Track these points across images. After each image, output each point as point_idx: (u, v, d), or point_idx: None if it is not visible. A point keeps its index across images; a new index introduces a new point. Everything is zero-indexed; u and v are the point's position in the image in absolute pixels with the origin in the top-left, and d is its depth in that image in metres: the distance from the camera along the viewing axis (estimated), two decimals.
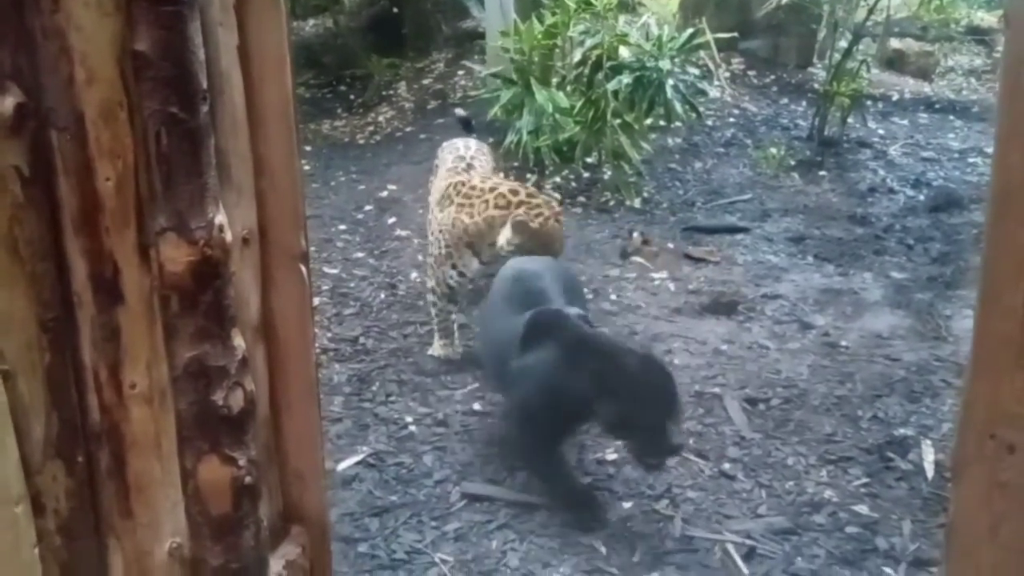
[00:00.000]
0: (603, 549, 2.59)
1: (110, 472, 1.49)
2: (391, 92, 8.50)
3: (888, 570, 2.49)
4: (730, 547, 2.61)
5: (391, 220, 5.49)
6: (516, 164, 6.16)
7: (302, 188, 1.76)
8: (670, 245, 4.95)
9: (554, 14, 5.99)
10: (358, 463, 3.01)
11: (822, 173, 6.07)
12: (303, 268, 1.79)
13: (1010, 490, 1.43)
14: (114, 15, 1.34)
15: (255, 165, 1.67)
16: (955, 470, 1.43)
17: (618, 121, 5.63)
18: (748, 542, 2.61)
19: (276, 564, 1.81)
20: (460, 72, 8.65)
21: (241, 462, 1.64)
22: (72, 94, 1.33)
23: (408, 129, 7.47)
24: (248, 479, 1.66)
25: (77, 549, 1.47)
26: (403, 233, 5.32)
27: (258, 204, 1.70)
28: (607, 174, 5.99)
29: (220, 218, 1.53)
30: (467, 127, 4.67)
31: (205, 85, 1.48)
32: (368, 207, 5.69)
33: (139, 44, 1.38)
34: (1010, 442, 1.40)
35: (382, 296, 4.41)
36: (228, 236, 1.56)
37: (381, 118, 7.83)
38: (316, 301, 4.32)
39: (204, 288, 1.52)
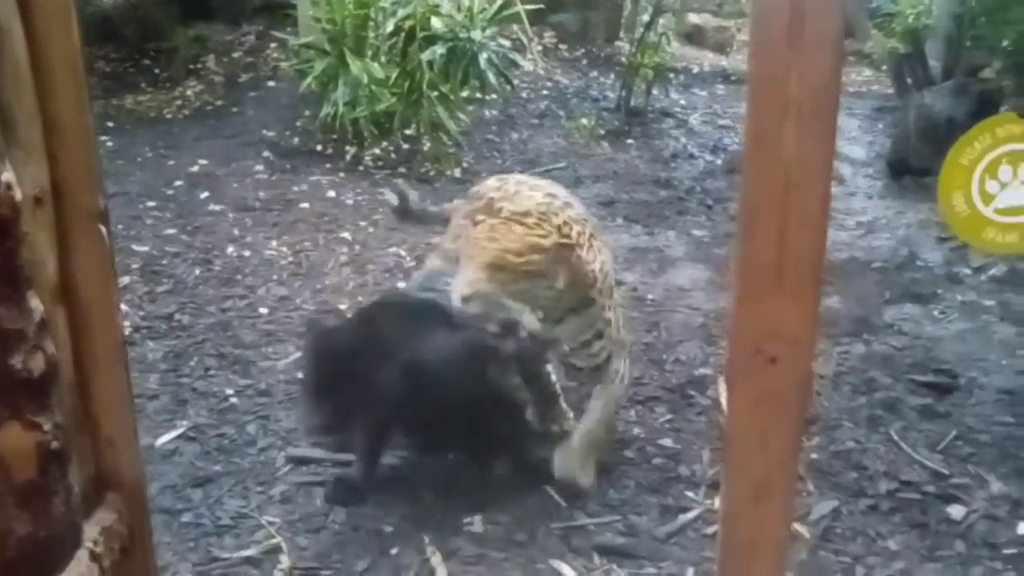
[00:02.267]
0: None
1: None
2: (199, 65, 8.17)
3: (689, 493, 2.71)
4: (548, 487, 2.75)
5: (203, 195, 5.33)
6: (335, 136, 6.12)
7: (96, 146, 1.72)
8: None
9: None
10: (177, 437, 2.95)
11: (629, 141, 6.38)
12: (103, 228, 1.75)
13: (775, 399, 1.61)
14: None
15: (44, 123, 1.62)
16: (728, 384, 1.60)
17: (435, 92, 5.69)
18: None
19: (91, 530, 1.77)
20: (272, 44, 8.45)
21: (46, 427, 1.60)
22: None
23: (219, 103, 7.23)
24: (55, 444, 1.63)
25: None
26: (217, 208, 5.17)
27: (50, 163, 1.65)
28: (426, 145, 6.06)
29: (7, 175, 1.49)
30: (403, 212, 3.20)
31: None
32: (178, 182, 5.49)
33: None
34: (772, 355, 1.59)
35: (197, 272, 4.30)
36: (18, 195, 1.52)
37: (189, 92, 7.53)
38: (126, 280, 4.16)
39: None
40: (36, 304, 1.58)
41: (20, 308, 1.55)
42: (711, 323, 3.77)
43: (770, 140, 1.52)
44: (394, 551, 2.44)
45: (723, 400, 3.18)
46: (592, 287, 2.64)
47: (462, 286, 2.56)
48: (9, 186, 1.49)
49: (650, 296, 4.08)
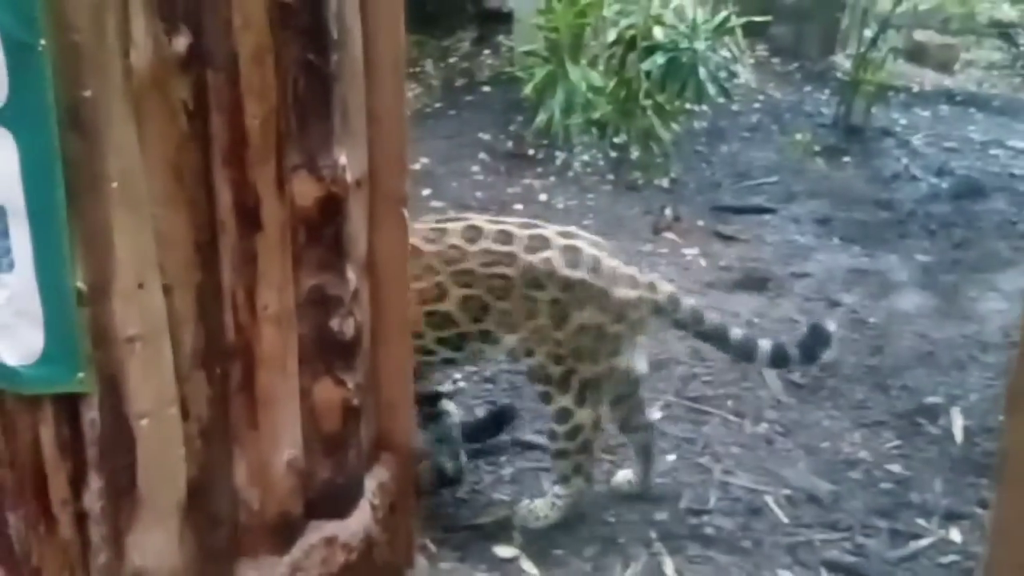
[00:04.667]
0: None
1: (240, 386, 1.64)
2: (418, 69, 8.59)
3: (921, 521, 2.64)
4: (768, 498, 2.75)
5: (426, 191, 5.62)
6: (546, 142, 6.30)
7: (407, 138, 1.90)
8: (700, 223, 5.08)
9: None
10: None
11: (846, 159, 6.18)
12: (405, 212, 1.93)
13: None
14: None
15: (367, 114, 1.81)
16: (1010, 402, 1.57)
17: (650, 102, 5.75)
18: (785, 492, 2.77)
19: (370, 484, 1.96)
20: (486, 51, 8.76)
21: (350, 385, 1.80)
22: (229, 38, 1.47)
23: (437, 105, 7.57)
24: (355, 401, 1.82)
25: (212, 454, 1.62)
26: (438, 204, 5.44)
27: (369, 150, 1.84)
28: (635, 154, 6.11)
29: (343, 159, 1.68)
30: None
31: (335, 36, 1.62)
32: None
33: None
34: None
35: None
36: (348, 177, 1.71)
37: (409, 94, 7.93)
38: None
39: (327, 222, 1.67)
40: (352, 275, 1.78)
41: (341, 277, 1.74)
42: (940, 351, 3.62)
43: None
44: (621, 540, 2.52)
45: (956, 430, 3.07)
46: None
47: None
48: (343, 168, 1.69)
49: (872, 319, 3.95)
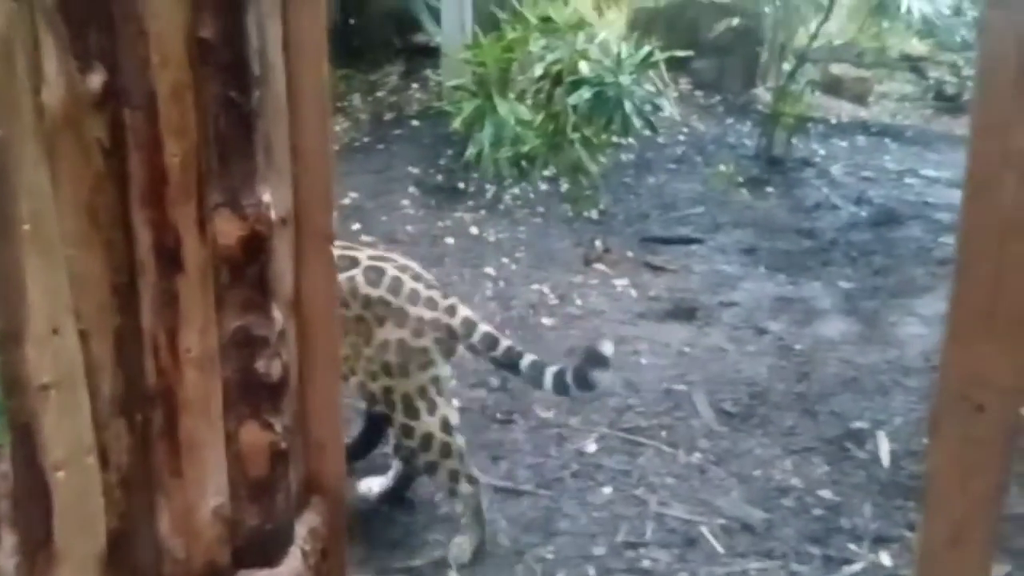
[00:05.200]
0: None
1: (162, 432, 1.59)
2: (345, 103, 8.56)
3: (852, 546, 2.68)
4: (703, 528, 2.77)
5: (355, 226, 5.57)
6: (475, 176, 6.32)
7: (333, 174, 1.88)
8: (629, 254, 5.14)
9: (514, 29, 6.17)
10: None
11: (769, 189, 6.34)
12: (331, 249, 1.90)
13: (979, 446, 1.61)
14: (186, 3, 1.45)
15: (292, 150, 1.78)
16: (932, 427, 1.61)
17: (577, 135, 5.82)
18: (720, 522, 2.78)
19: (301, 529, 1.91)
20: (414, 85, 8.78)
21: (277, 428, 1.75)
22: (147, 75, 1.44)
23: (365, 139, 7.55)
24: (283, 444, 1.77)
25: (133, 503, 1.55)
26: (368, 239, 5.40)
27: (293, 187, 1.81)
28: (564, 186, 6.18)
29: (267, 197, 1.65)
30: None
31: (257, 73, 1.59)
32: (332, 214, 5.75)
33: (204, 31, 1.50)
34: (979, 402, 1.59)
35: None
36: (272, 214, 1.68)
37: (338, 128, 7.89)
38: None
39: (251, 261, 1.64)
40: (278, 315, 1.73)
41: (267, 317, 1.70)
42: (864, 377, 3.70)
43: (990, 187, 1.54)
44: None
45: (883, 454, 3.14)
46: None
47: None
48: (267, 206, 1.65)
49: (797, 346, 4.04)
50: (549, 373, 2.62)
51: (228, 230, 1.58)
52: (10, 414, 1.40)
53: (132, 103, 1.43)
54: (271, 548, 1.80)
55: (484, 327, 2.62)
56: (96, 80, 1.36)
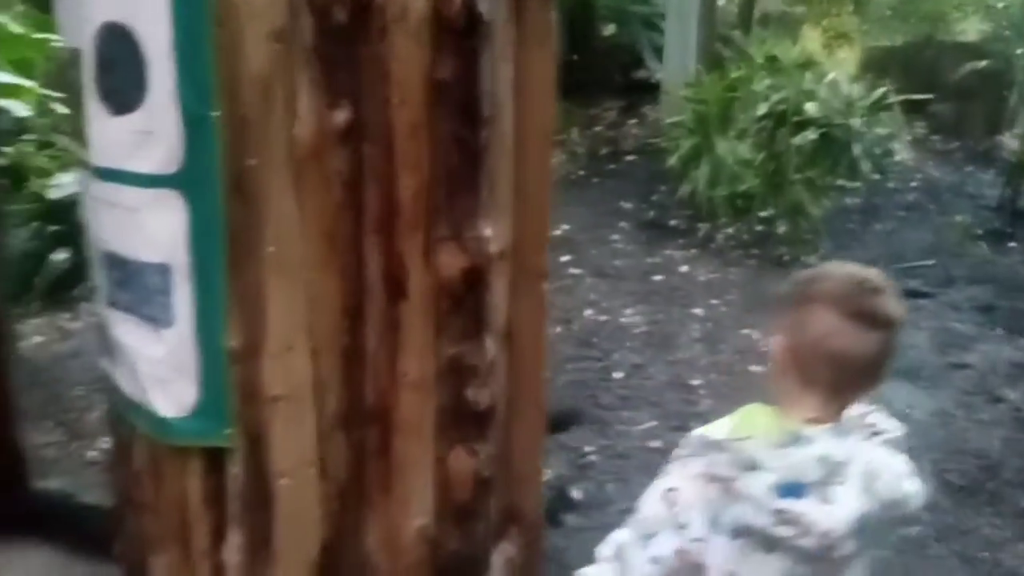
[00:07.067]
0: None
1: (376, 450, 1.66)
2: (563, 137, 8.72)
3: None
4: None
5: (565, 258, 5.64)
6: (689, 214, 6.24)
7: (549, 213, 1.90)
8: None
9: (739, 68, 6.07)
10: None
11: (1012, 244, 5.83)
12: (544, 286, 1.93)
13: None
14: (427, 46, 1.53)
15: (514, 187, 1.83)
16: None
17: (800, 176, 5.61)
18: None
19: (497, 558, 1.93)
20: (632, 121, 8.82)
21: (483, 456, 1.79)
22: (387, 113, 1.52)
23: (581, 173, 7.65)
24: (487, 472, 1.81)
25: (346, 516, 1.64)
26: (576, 271, 5.45)
27: (513, 223, 1.85)
28: (781, 228, 5.96)
29: (488, 231, 1.70)
30: None
31: (487, 113, 1.65)
32: None
33: (441, 73, 1.56)
34: None
35: (557, 330, 4.54)
36: (492, 248, 1.72)
37: (554, 161, 8.05)
38: None
39: (470, 292, 1.68)
40: (490, 346, 1.78)
41: (480, 347, 1.74)
42: None
43: None
44: None
45: None
46: None
47: None
48: (488, 240, 1.70)
49: None
50: None
51: (451, 262, 1.64)
52: (243, 422, 1.51)
53: (372, 138, 1.52)
54: (469, 573, 1.83)
55: None
56: (341, 116, 1.46)
